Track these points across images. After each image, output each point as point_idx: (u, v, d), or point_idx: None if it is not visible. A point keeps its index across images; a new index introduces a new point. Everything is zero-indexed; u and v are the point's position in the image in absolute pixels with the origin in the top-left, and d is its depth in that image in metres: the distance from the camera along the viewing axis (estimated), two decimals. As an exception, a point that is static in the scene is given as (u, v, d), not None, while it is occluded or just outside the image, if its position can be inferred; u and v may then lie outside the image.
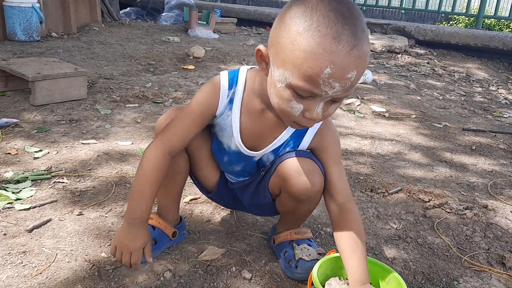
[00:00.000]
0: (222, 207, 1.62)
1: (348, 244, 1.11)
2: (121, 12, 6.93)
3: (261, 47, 1.00)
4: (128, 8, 7.44)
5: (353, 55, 0.87)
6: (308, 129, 1.18)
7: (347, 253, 1.11)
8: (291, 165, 1.15)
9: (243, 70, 1.18)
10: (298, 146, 1.20)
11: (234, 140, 1.20)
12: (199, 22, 5.66)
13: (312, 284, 1.09)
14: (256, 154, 1.22)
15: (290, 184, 1.16)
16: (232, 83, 1.17)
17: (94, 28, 5.16)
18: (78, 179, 1.75)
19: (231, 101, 1.17)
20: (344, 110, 3.02)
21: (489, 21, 8.88)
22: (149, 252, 1.17)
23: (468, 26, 8.34)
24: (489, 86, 4.22)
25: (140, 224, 1.16)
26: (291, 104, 0.96)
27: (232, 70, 1.19)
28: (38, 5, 4.24)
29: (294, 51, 0.89)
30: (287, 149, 1.20)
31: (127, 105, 2.72)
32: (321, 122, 1.19)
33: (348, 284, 1.12)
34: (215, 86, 1.17)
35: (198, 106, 1.17)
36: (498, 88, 4.14)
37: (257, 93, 1.14)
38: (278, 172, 1.18)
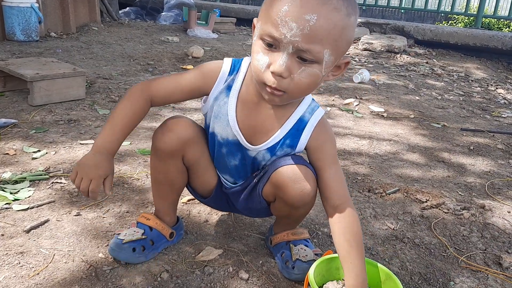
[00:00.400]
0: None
1: (343, 247, 1.12)
2: (120, 12, 6.93)
3: (255, 19, 1.06)
4: (128, 8, 7.44)
5: None
6: (304, 128, 1.18)
7: (343, 256, 1.11)
8: (285, 173, 1.15)
9: (246, 60, 1.19)
10: (296, 146, 1.19)
11: (231, 129, 1.18)
12: (198, 22, 5.66)
13: (309, 284, 1.10)
14: (252, 148, 1.20)
15: (285, 192, 1.16)
16: (234, 70, 1.17)
17: (93, 28, 5.16)
18: (76, 180, 1.75)
19: (229, 88, 1.17)
20: (343, 110, 3.02)
21: (488, 21, 8.88)
22: (109, 184, 1.14)
23: (468, 26, 8.35)
24: (488, 86, 4.22)
25: (106, 154, 1.14)
26: (258, 56, 1.00)
27: (237, 59, 1.20)
28: (37, 5, 4.24)
29: (267, 1, 0.97)
30: (285, 149, 1.19)
31: (126, 105, 2.72)
32: (317, 122, 1.17)
33: (342, 285, 1.13)
34: (216, 67, 1.18)
35: (194, 78, 1.19)
36: (497, 88, 4.15)
37: (254, 83, 1.13)
38: (272, 180, 1.18)
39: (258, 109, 1.16)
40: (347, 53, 1.06)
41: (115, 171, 1.82)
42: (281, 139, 1.18)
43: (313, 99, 1.21)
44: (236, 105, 1.17)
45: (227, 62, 1.18)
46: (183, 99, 1.22)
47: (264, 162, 1.23)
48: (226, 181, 1.33)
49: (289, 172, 1.14)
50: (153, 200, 1.40)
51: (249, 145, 1.20)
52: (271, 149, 1.20)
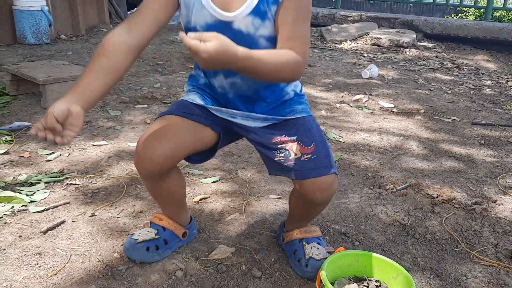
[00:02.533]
0: (231, 203, 1.65)
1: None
2: (128, 12, 6.96)
3: None
4: (135, 8, 7.48)
5: None
6: None
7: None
8: (313, 186, 1.15)
9: None
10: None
11: (205, 8, 1.08)
12: (206, 20, 5.68)
13: (321, 281, 1.11)
14: (232, 16, 1.07)
15: (312, 198, 1.18)
16: None
17: (102, 29, 5.20)
18: (90, 181, 1.79)
19: None
20: (352, 107, 3.02)
21: (499, 13, 8.77)
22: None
23: (477, 18, 8.26)
24: (498, 79, 4.19)
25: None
26: None
27: None
28: (47, 8, 4.29)
29: None
30: (270, 5, 1.06)
31: (136, 106, 2.75)
32: None
33: (354, 282, 1.14)
34: None
35: None
36: (507, 81, 4.11)
37: None
38: (300, 190, 1.18)
39: None
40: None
41: (127, 172, 1.85)
42: None
43: None
44: None
45: None
46: (165, 7, 1.10)
47: (257, 31, 1.09)
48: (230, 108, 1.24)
49: (318, 185, 1.15)
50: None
51: (227, 13, 1.07)
52: (256, 11, 1.06)
